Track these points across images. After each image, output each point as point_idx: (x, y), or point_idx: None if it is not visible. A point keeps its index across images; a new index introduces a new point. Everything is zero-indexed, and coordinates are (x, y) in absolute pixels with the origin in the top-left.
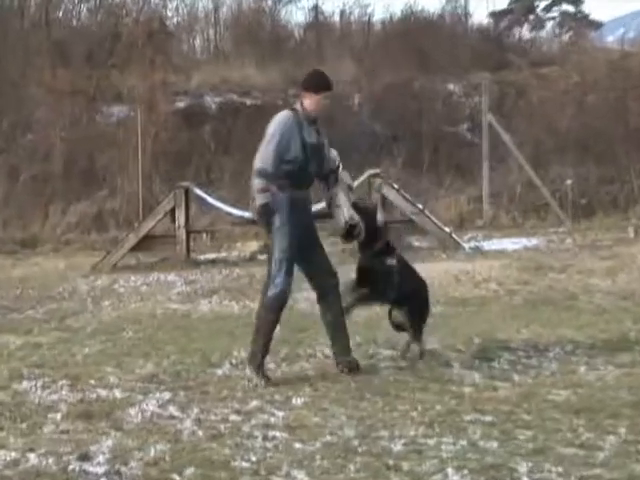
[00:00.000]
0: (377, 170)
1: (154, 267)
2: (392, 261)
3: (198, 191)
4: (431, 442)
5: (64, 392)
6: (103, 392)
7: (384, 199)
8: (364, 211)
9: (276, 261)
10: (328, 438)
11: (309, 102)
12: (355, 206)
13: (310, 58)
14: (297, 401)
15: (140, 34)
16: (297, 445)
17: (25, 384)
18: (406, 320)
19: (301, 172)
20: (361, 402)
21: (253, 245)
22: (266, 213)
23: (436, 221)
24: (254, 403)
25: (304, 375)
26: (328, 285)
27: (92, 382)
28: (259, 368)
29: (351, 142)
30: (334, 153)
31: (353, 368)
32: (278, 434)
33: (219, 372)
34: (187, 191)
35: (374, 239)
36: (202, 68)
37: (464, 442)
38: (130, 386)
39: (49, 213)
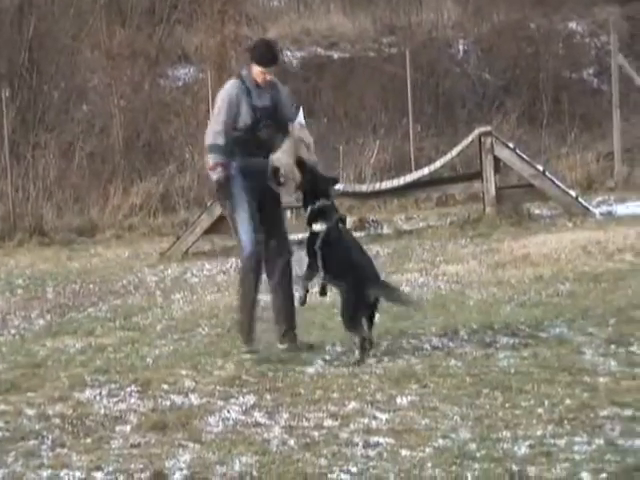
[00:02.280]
0: (488, 127)
1: (231, 252)
2: (319, 226)
3: None
4: (561, 443)
5: (133, 400)
6: (178, 399)
7: (498, 161)
8: (305, 168)
9: (237, 225)
10: (440, 442)
11: (255, 72)
12: (299, 160)
13: (406, 1)
14: (402, 401)
15: None
16: (404, 452)
17: (88, 393)
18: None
19: (253, 138)
20: (477, 399)
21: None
22: (222, 188)
23: (559, 184)
24: (352, 405)
25: (410, 370)
26: (277, 262)
27: (165, 387)
28: (249, 337)
29: (456, 96)
30: (300, 116)
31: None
32: (381, 440)
33: (311, 370)
34: None
35: (314, 195)
36: (280, 18)
37: (600, 441)
38: (208, 391)
39: (109, 195)
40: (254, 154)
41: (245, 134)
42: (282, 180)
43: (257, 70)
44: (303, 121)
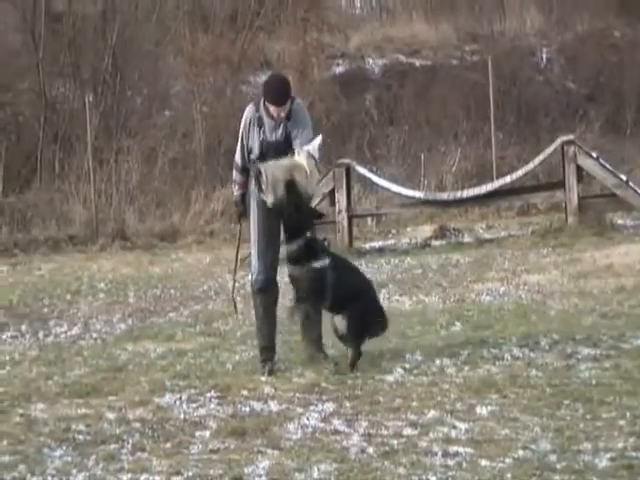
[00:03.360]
0: (571, 136)
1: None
2: (321, 262)
3: (361, 169)
4: None
5: (213, 406)
6: (257, 405)
7: (580, 170)
8: (293, 190)
9: (251, 246)
10: (520, 453)
11: (270, 108)
12: (289, 181)
13: (489, 8)
14: (482, 410)
15: None
16: (484, 462)
17: (168, 398)
18: (345, 328)
19: (268, 155)
20: (558, 410)
21: (426, 230)
22: (237, 206)
23: None
24: (432, 414)
25: (490, 380)
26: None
27: (244, 394)
28: (263, 357)
29: (539, 104)
30: (313, 143)
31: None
32: (461, 450)
33: (390, 378)
34: (348, 169)
35: (298, 228)
36: (362, 26)
37: None
38: (288, 397)
39: (190, 201)
40: None
41: (258, 160)
42: (263, 186)
43: (271, 107)
44: (314, 150)
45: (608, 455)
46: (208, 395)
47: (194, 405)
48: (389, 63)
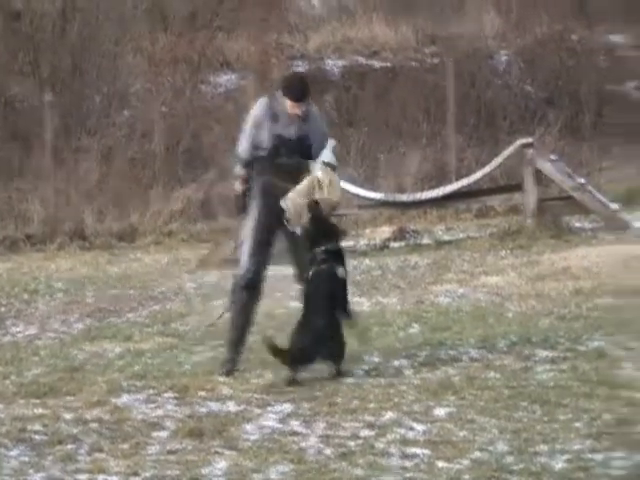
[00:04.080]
0: (529, 139)
1: (271, 259)
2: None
3: None
4: (599, 458)
5: (170, 407)
6: (215, 406)
7: (539, 173)
8: (313, 210)
9: (242, 243)
10: (477, 455)
11: (286, 104)
12: (311, 203)
13: (448, 11)
14: (440, 412)
15: None
16: (441, 464)
17: (126, 398)
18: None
19: (272, 163)
20: (515, 412)
21: (385, 231)
22: (237, 201)
23: (600, 197)
24: (389, 415)
25: (448, 382)
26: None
27: (202, 394)
28: (229, 355)
29: (498, 107)
30: (327, 151)
31: None
32: (418, 451)
33: (348, 380)
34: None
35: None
36: (322, 27)
37: (638, 457)
38: (246, 398)
39: (149, 200)
40: (276, 175)
41: (266, 156)
42: (290, 220)
43: (289, 104)
44: (329, 157)
45: (565, 457)
46: (166, 396)
47: (152, 405)
48: (348, 64)
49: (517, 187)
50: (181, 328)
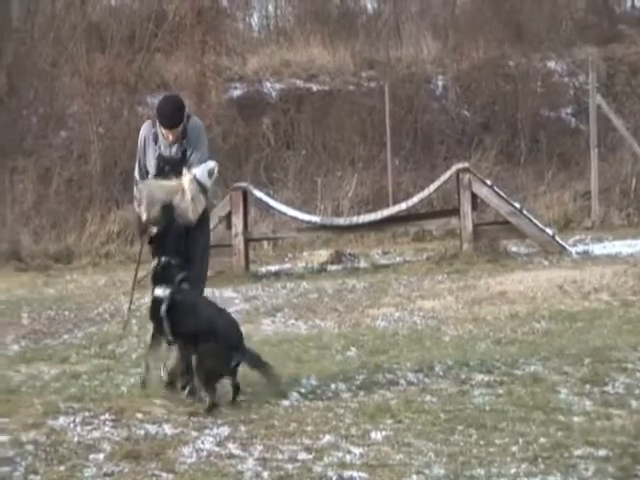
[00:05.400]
0: (466, 164)
1: (208, 281)
2: (162, 292)
3: (258, 193)
4: None
5: (107, 429)
6: (152, 428)
7: (475, 197)
8: (166, 213)
9: None
10: (414, 478)
11: (161, 128)
12: (166, 204)
13: (385, 36)
14: (377, 435)
15: (188, 12)
16: None
17: (62, 420)
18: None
19: (165, 171)
20: (452, 435)
21: (323, 254)
22: (139, 223)
23: (536, 222)
24: (327, 438)
25: (385, 405)
26: None
27: (139, 417)
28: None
29: (435, 131)
30: (202, 167)
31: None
32: (355, 474)
33: (286, 403)
34: (245, 193)
35: (161, 249)
36: (260, 50)
37: None
38: (182, 421)
39: (86, 222)
40: None
41: (154, 177)
42: (138, 204)
43: (161, 128)
44: (202, 175)
45: None
46: (102, 418)
47: (88, 428)
48: (286, 87)
49: (454, 211)
50: (118, 350)
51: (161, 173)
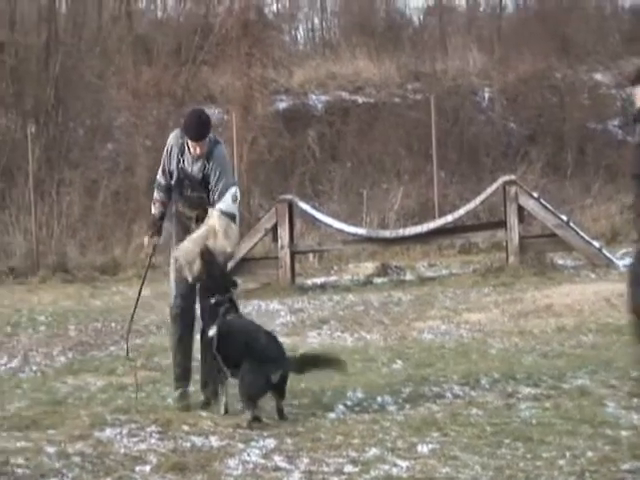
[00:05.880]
0: (512, 176)
1: (254, 294)
2: (212, 332)
3: (303, 205)
4: None
5: (153, 441)
6: (198, 440)
7: (522, 210)
8: (207, 261)
9: (169, 272)
10: None
11: (188, 141)
12: (204, 251)
13: (431, 48)
14: (423, 449)
15: (234, 25)
16: None
17: (109, 432)
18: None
19: (180, 191)
20: (498, 449)
21: (369, 267)
22: (154, 225)
23: (583, 235)
24: (373, 451)
25: (431, 418)
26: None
27: (185, 429)
28: (176, 384)
29: (481, 144)
30: (225, 198)
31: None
32: None
33: (332, 415)
34: (291, 205)
35: (211, 290)
36: (306, 63)
37: None
38: (229, 433)
39: (132, 234)
40: (188, 205)
41: (175, 186)
42: (182, 270)
43: (188, 141)
44: (228, 206)
45: None
46: (149, 430)
47: (135, 439)
48: (332, 100)
49: (500, 224)
50: (164, 362)
51: (180, 185)
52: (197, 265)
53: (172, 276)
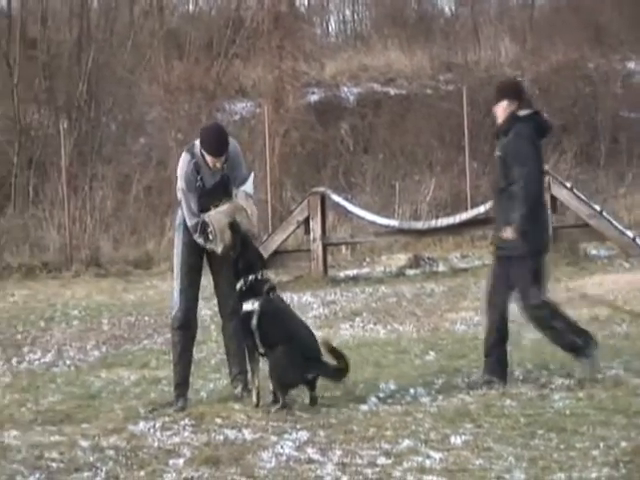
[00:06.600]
0: (545, 166)
1: (286, 286)
2: (251, 306)
3: (336, 197)
4: None
5: (187, 434)
6: (231, 433)
7: (555, 200)
8: (238, 234)
9: (174, 280)
10: None
11: (207, 158)
12: (233, 224)
13: (463, 39)
14: (456, 440)
15: (265, 18)
16: None
17: (142, 425)
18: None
19: (204, 201)
20: (532, 440)
21: (401, 258)
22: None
23: (617, 224)
24: (406, 443)
25: (464, 410)
26: (225, 313)
27: (218, 422)
28: (177, 392)
29: None
30: (248, 183)
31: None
32: (435, 479)
33: (364, 407)
34: (323, 198)
35: (245, 268)
36: (338, 55)
37: None
38: (262, 426)
39: (165, 228)
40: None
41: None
42: (210, 237)
43: (208, 158)
44: (250, 189)
45: None
46: (182, 423)
47: (168, 433)
48: (364, 92)
49: None
50: (197, 355)
51: (209, 197)
52: (227, 235)
53: (176, 286)
